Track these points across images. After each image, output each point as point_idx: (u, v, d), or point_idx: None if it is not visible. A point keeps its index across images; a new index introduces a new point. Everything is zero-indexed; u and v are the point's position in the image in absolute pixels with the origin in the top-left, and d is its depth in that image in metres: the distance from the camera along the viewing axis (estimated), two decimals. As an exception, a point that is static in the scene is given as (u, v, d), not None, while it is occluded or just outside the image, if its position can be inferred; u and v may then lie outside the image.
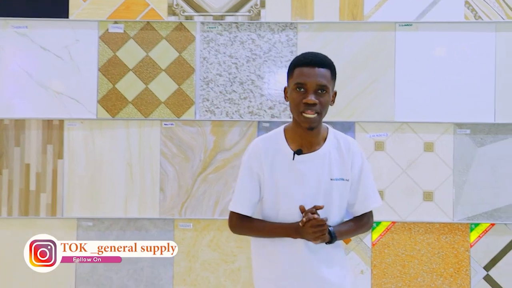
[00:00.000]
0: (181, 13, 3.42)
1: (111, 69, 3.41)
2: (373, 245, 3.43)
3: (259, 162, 2.34)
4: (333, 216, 2.34)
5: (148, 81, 3.41)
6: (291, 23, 3.42)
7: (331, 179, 2.34)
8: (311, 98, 2.22)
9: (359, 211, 2.43)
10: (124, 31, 3.41)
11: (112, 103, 3.40)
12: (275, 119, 3.41)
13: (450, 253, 3.41)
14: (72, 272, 3.39)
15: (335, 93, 2.34)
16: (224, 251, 3.43)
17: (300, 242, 2.30)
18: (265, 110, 3.43)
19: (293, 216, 2.29)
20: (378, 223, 3.40)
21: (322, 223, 2.22)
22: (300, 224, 2.22)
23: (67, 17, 3.39)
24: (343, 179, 2.36)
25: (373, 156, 3.42)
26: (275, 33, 3.43)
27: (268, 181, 2.33)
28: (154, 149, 3.41)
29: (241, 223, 2.40)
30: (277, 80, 3.43)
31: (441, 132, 3.40)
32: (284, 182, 2.32)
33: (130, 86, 3.41)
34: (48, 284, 3.38)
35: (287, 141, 2.34)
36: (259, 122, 3.44)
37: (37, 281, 3.37)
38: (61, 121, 3.40)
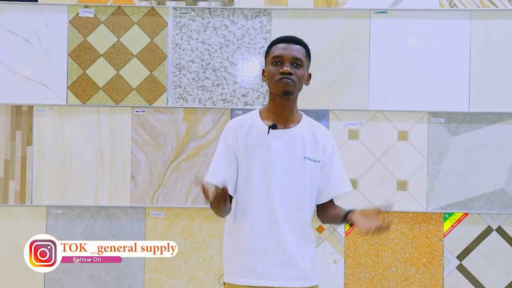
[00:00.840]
0: None
1: (82, 55, 3.35)
2: (346, 234, 3.41)
3: (235, 138, 2.40)
4: (306, 196, 2.39)
5: (119, 67, 3.36)
6: (265, 9, 3.38)
7: (305, 157, 2.40)
8: (287, 68, 2.32)
9: (330, 195, 2.46)
10: (95, 15, 3.35)
11: (82, 89, 3.35)
12: (248, 107, 3.37)
13: (424, 243, 3.39)
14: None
15: (310, 75, 2.44)
16: (196, 239, 3.40)
17: (273, 216, 2.32)
18: (238, 98, 3.39)
19: (266, 192, 2.33)
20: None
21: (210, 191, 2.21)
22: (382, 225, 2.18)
23: (36, 1, 3.33)
24: (315, 161, 2.42)
25: (347, 144, 3.39)
26: (249, 19, 3.39)
27: (243, 156, 2.38)
28: (125, 136, 3.36)
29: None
30: (250, 67, 3.39)
31: (416, 121, 3.38)
32: (258, 157, 2.38)
33: (101, 72, 3.36)
34: (17, 271, 3.33)
35: (262, 119, 2.41)
36: (232, 109, 3.40)
37: (5, 268, 3.33)
38: (30, 107, 3.34)
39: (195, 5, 3.36)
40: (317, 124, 2.51)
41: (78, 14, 3.35)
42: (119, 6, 3.34)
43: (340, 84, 3.38)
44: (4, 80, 3.33)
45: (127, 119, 3.36)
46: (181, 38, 3.38)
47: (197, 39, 3.39)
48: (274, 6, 3.37)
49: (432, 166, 3.39)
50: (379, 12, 3.38)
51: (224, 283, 2.46)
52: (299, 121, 2.45)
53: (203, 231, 3.38)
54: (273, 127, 2.39)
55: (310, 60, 2.46)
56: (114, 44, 3.36)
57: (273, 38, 3.29)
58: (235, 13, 3.38)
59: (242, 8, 3.37)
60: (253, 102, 3.37)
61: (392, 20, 3.37)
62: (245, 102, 3.38)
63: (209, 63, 3.39)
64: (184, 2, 3.36)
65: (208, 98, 3.39)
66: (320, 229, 3.38)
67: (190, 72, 3.38)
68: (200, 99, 3.38)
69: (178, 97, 3.38)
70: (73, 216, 3.35)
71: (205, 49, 3.39)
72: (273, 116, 2.41)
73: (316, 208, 2.50)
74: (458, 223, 3.38)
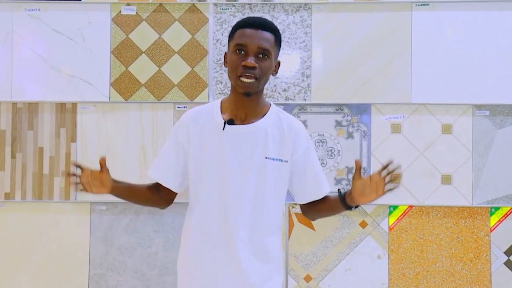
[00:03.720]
0: None
1: (124, 52, 3.38)
2: (390, 229, 3.36)
3: (186, 131, 2.18)
4: (268, 199, 2.15)
5: (161, 64, 3.38)
6: (305, 4, 3.36)
7: (266, 157, 2.13)
8: (251, 61, 2.05)
9: (310, 198, 2.24)
10: (137, 13, 3.37)
11: (125, 86, 3.37)
12: (289, 101, 3.35)
13: (470, 238, 3.32)
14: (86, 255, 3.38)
15: (279, 63, 2.18)
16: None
17: (226, 224, 2.11)
18: (279, 93, 3.38)
19: (216, 193, 2.12)
20: (395, 207, 3.32)
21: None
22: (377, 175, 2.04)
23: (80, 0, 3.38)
24: (281, 160, 2.15)
25: (389, 138, 3.34)
26: (289, 14, 3.38)
27: (193, 152, 2.15)
28: (167, 132, 3.37)
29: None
30: (291, 62, 3.37)
31: (460, 114, 3.32)
32: (210, 155, 2.13)
33: (142, 69, 3.38)
34: (62, 267, 3.36)
35: (221, 111, 2.16)
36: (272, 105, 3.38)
37: (50, 264, 3.36)
38: (74, 104, 3.38)
39: (235, 0, 3.37)
40: (288, 117, 2.22)
41: (120, 11, 3.38)
42: (161, 3, 3.36)
43: (381, 78, 3.34)
44: (49, 78, 3.37)
45: (169, 115, 3.38)
46: (222, 34, 3.38)
47: None
48: (315, 1, 3.35)
49: (477, 159, 3.32)
50: (421, 5, 3.34)
51: None
52: (264, 114, 2.16)
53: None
54: (230, 122, 2.12)
55: (280, 47, 2.18)
56: (155, 41, 3.38)
57: (314, 32, 3.35)
58: (275, 8, 3.37)
59: (282, 3, 3.36)
60: (294, 96, 3.36)
61: (434, 12, 3.32)
62: (286, 97, 3.37)
63: None
64: None
65: None
66: (363, 224, 3.33)
67: None
68: None
69: (219, 93, 3.38)
70: (117, 212, 3.37)
71: None
72: (233, 109, 2.15)
73: (299, 207, 2.31)
74: (506, 217, 3.30)
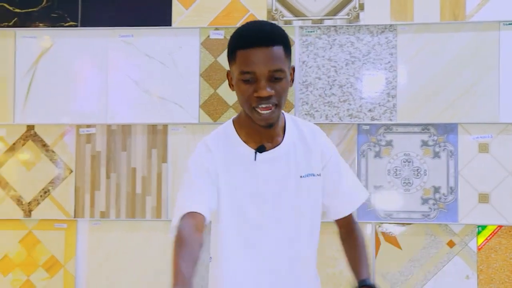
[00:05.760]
0: (280, 18, 3.46)
1: (212, 74, 3.48)
2: (478, 249, 3.34)
3: (213, 160, 1.85)
4: (306, 220, 1.92)
5: (248, 86, 3.47)
6: (390, 25, 3.40)
7: (301, 177, 1.90)
8: (264, 90, 1.72)
9: (344, 210, 2.01)
10: (224, 37, 3.47)
11: (213, 107, 3.48)
12: (375, 122, 3.39)
13: None
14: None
15: (293, 69, 1.83)
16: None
17: (269, 260, 1.88)
18: (365, 113, 3.42)
19: (259, 223, 1.86)
20: (484, 227, 3.31)
21: None
22: None
23: (170, 25, 3.50)
24: (313, 175, 1.92)
25: (477, 158, 3.34)
26: (374, 36, 3.42)
27: (225, 187, 1.85)
28: (254, 152, 3.46)
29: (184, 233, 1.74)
30: (376, 83, 3.42)
31: None
32: (245, 188, 1.87)
33: (230, 91, 3.43)
34: (154, 285, 3.48)
35: (240, 137, 1.88)
36: (358, 124, 3.43)
37: (142, 282, 3.49)
38: (165, 126, 3.50)
39: (321, 23, 3.44)
40: (306, 124, 1.97)
41: (209, 36, 3.49)
42: (248, 27, 3.46)
43: (468, 97, 3.34)
44: (141, 101, 3.51)
45: (256, 136, 3.46)
46: (308, 56, 3.46)
47: (323, 57, 3.45)
48: (400, 22, 3.39)
49: None
50: (509, 24, 3.34)
51: None
52: (284, 128, 1.90)
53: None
54: (260, 149, 1.85)
55: (291, 53, 1.81)
56: (243, 64, 3.47)
57: (399, 53, 3.37)
58: (360, 29, 3.42)
59: (368, 25, 3.40)
60: (380, 117, 3.39)
61: None
62: (371, 117, 3.41)
63: (335, 79, 3.44)
64: (310, 21, 3.44)
65: (335, 114, 3.44)
66: (450, 244, 3.33)
67: (317, 89, 3.45)
68: (327, 115, 3.44)
69: (306, 114, 3.45)
70: (207, 230, 3.47)
71: (331, 66, 3.45)
72: (254, 134, 1.86)
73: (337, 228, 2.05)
74: None
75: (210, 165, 1.82)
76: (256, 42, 1.70)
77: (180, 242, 1.68)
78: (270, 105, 1.72)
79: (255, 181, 1.85)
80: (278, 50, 1.72)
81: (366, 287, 1.77)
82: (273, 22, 3.43)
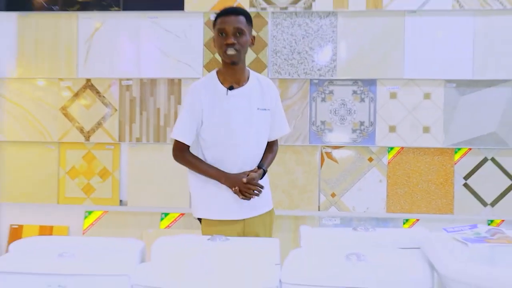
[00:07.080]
0: (259, 5, 4.71)
1: (212, 44, 4.21)
2: (388, 163, 4.50)
3: (199, 99, 2.53)
4: (261, 141, 2.65)
5: (236, 52, 4.82)
6: (333, 12, 4.60)
7: (258, 109, 2.60)
8: (230, 39, 2.46)
9: (273, 136, 2.76)
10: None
11: (212, 67, 4.44)
12: (321, 77, 4.61)
13: (440, 169, 4.45)
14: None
15: (254, 37, 2.60)
16: None
17: (236, 158, 2.56)
18: (315, 71, 4.66)
19: (228, 139, 2.52)
20: (392, 148, 4.56)
21: (259, 189, 2.48)
22: (244, 180, 2.45)
23: (183, 9, 4.60)
24: (265, 109, 2.64)
25: (389, 102, 4.53)
26: (322, 19, 4.64)
27: (207, 113, 2.49)
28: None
29: (181, 154, 2.57)
30: (323, 52, 4.68)
31: (436, 85, 4.49)
32: (221, 113, 2.52)
33: (224, 56, 4.81)
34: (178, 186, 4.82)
35: (220, 81, 2.57)
36: (311, 79, 4.50)
37: (166, 183, 4.68)
38: (179, 80, 4.61)
39: (286, 9, 4.78)
40: (262, 76, 2.74)
41: (210, 18, 4.63)
42: (236, 12, 4.80)
43: (384, 61, 4.52)
44: (163, 62, 4.59)
45: (242, 86, 4.83)
46: (277, 32, 4.63)
47: (287, 33, 4.62)
48: (339, 9, 4.66)
49: (447, 116, 4.47)
50: (411, 12, 4.52)
51: (199, 218, 2.71)
52: (248, 78, 2.60)
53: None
54: (230, 88, 2.53)
55: (251, 24, 2.56)
56: (233, 37, 4.82)
57: (339, 32, 4.59)
58: (312, 14, 4.66)
59: (318, 11, 4.63)
60: (325, 74, 4.65)
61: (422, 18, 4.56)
62: (319, 74, 4.62)
63: (295, 48, 4.61)
64: (279, 8, 4.75)
65: (295, 72, 4.54)
66: (370, 159, 4.53)
67: (283, 55, 4.54)
68: (289, 72, 4.53)
69: (275, 72, 4.61)
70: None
71: (293, 39, 4.64)
72: (228, 78, 2.54)
73: None
74: (465, 155, 4.46)
75: (197, 101, 2.49)
76: (229, 12, 2.54)
77: (182, 154, 2.54)
78: (234, 49, 2.48)
79: (228, 108, 2.55)
80: (241, 18, 2.52)
81: (260, 168, 2.62)
82: (251, 8, 4.77)
